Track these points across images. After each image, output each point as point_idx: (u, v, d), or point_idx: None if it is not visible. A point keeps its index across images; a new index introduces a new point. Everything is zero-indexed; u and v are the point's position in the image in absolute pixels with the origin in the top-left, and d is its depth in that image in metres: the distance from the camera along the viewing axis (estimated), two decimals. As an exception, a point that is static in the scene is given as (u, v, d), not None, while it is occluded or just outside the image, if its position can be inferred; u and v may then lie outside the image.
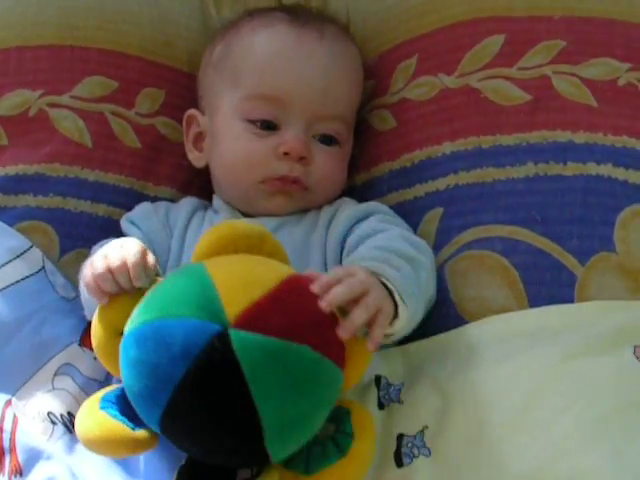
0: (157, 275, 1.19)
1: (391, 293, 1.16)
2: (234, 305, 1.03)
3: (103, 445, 1.10)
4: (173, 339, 1.02)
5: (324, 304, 1.07)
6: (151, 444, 1.10)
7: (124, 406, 1.10)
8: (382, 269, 1.17)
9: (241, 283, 1.05)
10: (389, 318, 1.15)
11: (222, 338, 1.00)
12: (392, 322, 1.16)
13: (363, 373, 1.16)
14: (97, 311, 1.17)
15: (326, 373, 1.06)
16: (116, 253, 1.15)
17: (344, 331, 1.08)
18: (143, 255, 1.16)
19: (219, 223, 1.20)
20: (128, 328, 1.09)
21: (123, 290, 1.15)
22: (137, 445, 1.09)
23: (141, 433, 1.09)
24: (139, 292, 1.13)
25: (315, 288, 1.09)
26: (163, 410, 1.03)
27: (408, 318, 1.18)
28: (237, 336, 1.01)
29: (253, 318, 1.02)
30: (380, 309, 1.12)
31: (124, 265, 1.14)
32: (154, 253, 1.30)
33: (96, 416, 1.11)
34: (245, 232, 1.15)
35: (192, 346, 1.01)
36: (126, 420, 1.10)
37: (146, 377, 1.04)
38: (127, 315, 1.11)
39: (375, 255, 1.21)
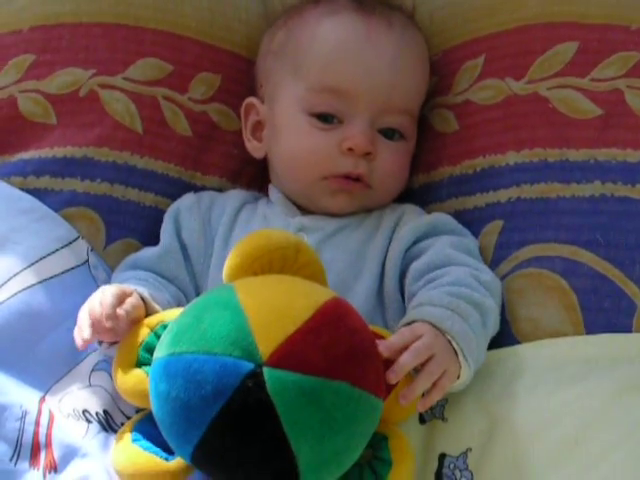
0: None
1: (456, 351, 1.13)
2: (268, 341, 0.99)
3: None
4: (205, 378, 0.99)
5: (392, 376, 1.06)
6: (187, 472, 1.08)
7: (157, 434, 1.08)
8: (449, 323, 1.13)
9: (274, 316, 1.02)
10: (453, 380, 1.13)
11: (256, 378, 0.98)
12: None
13: (414, 409, 1.13)
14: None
15: (365, 408, 1.03)
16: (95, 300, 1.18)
17: (405, 399, 1.08)
18: (117, 298, 1.17)
19: (256, 231, 1.16)
20: (157, 355, 1.06)
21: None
22: (173, 476, 1.08)
23: (176, 463, 1.08)
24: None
25: (384, 352, 1.07)
26: (195, 446, 1.00)
27: (470, 375, 1.15)
28: (271, 375, 0.98)
29: (288, 355, 0.99)
30: (445, 372, 1.11)
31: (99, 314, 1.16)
32: (189, 258, 1.35)
33: (129, 451, 1.10)
34: (280, 243, 1.11)
35: (225, 386, 0.98)
36: (159, 451, 1.09)
37: (177, 414, 1.02)
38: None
39: (444, 301, 1.16)
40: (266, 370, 0.97)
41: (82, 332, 1.16)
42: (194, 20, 1.49)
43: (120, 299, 1.17)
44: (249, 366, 0.98)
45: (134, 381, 1.13)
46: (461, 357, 1.13)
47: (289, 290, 1.06)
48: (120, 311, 1.15)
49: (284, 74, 1.38)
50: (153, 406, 1.06)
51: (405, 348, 1.10)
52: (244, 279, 1.10)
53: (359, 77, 1.33)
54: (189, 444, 1.01)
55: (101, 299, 1.16)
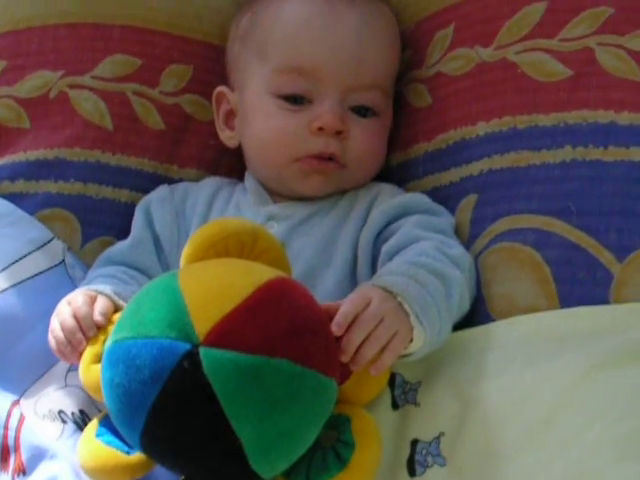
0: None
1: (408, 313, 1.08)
2: (204, 320, 0.96)
3: (99, 474, 1.09)
4: (143, 362, 0.96)
5: (346, 358, 1.03)
6: (148, 465, 1.06)
7: None
8: (402, 287, 1.08)
9: (212, 295, 0.99)
10: (406, 342, 1.07)
11: (192, 358, 0.95)
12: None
13: (379, 389, 1.11)
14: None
15: (311, 386, 0.98)
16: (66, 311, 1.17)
17: (354, 365, 1.03)
18: (89, 305, 1.16)
19: (214, 220, 1.15)
20: (106, 346, 1.05)
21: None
22: (134, 470, 1.07)
23: (136, 457, 1.06)
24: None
25: (335, 330, 1.03)
26: (140, 434, 0.98)
27: (426, 340, 1.09)
28: (207, 355, 0.95)
29: (224, 333, 0.96)
30: (396, 334, 1.05)
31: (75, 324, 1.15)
32: (162, 250, 1.32)
33: (91, 445, 1.09)
34: (236, 229, 1.08)
35: (161, 369, 0.95)
36: (122, 445, 1.07)
37: (120, 401, 1.00)
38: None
39: (403, 269, 1.12)
40: (202, 350, 0.95)
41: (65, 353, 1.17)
42: (163, 13, 1.47)
43: (90, 306, 1.17)
44: (185, 347, 0.95)
45: (96, 375, 1.11)
46: (413, 318, 1.07)
47: (230, 270, 1.04)
48: (97, 317, 1.15)
49: (250, 58, 1.36)
50: (104, 396, 1.04)
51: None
52: (189, 265, 1.08)
53: (323, 55, 1.29)
54: (135, 432, 0.99)
55: (74, 311, 1.16)
